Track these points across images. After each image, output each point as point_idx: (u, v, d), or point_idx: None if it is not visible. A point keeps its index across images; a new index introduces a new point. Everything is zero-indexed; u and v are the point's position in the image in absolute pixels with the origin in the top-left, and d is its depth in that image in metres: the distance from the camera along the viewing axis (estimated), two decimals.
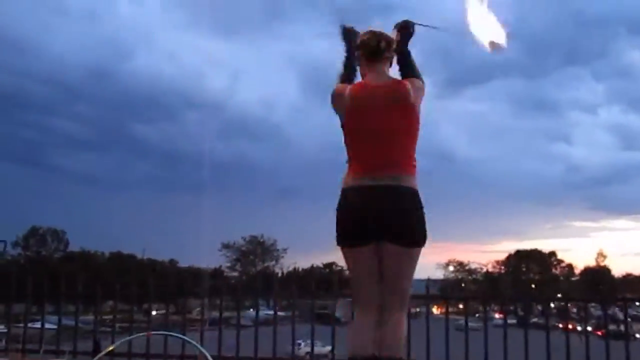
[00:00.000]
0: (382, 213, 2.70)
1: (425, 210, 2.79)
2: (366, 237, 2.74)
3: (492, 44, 3.00)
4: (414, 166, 2.79)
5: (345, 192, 2.79)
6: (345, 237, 2.79)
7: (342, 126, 2.86)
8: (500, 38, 3.01)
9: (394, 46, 2.93)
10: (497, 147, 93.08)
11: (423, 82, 2.89)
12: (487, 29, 2.99)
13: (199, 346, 4.65)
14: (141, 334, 4.78)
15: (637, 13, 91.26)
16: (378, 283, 2.80)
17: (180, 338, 4.87)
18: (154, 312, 5.98)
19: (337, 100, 2.87)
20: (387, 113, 2.77)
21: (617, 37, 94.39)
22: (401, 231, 2.71)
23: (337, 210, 2.79)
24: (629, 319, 6.12)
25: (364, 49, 2.92)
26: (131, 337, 4.66)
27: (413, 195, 2.74)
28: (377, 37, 2.90)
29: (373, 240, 2.74)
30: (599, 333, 5.45)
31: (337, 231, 2.80)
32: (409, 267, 2.79)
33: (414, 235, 2.74)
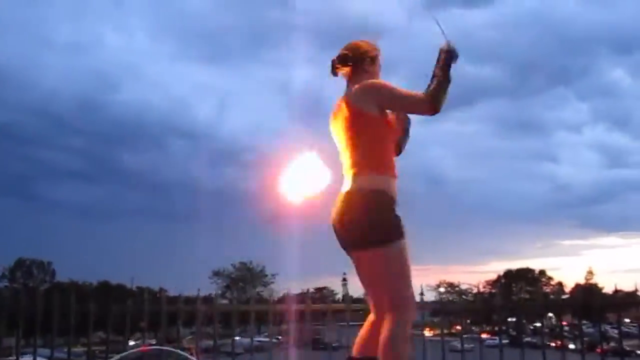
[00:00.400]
0: (336, 221, 2.77)
1: (384, 207, 2.67)
2: (342, 246, 2.80)
3: None
4: (369, 166, 2.75)
5: None
6: None
7: None
8: None
9: (350, 55, 2.94)
10: (485, 168, 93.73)
11: (424, 100, 2.68)
12: None
13: (193, 359, 4.64)
14: (135, 350, 4.78)
15: (617, 33, 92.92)
16: (372, 289, 2.83)
17: (175, 352, 4.86)
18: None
19: None
20: (338, 123, 2.88)
21: (599, 56, 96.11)
22: (351, 235, 2.72)
23: None
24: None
25: None
26: (126, 352, 4.64)
27: (359, 195, 2.71)
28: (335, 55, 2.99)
29: (347, 248, 2.79)
30: (599, 351, 5.42)
31: None
32: (377, 269, 2.70)
33: (363, 236, 2.66)
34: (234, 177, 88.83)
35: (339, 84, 3.00)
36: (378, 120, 2.78)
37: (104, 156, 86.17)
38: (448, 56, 2.71)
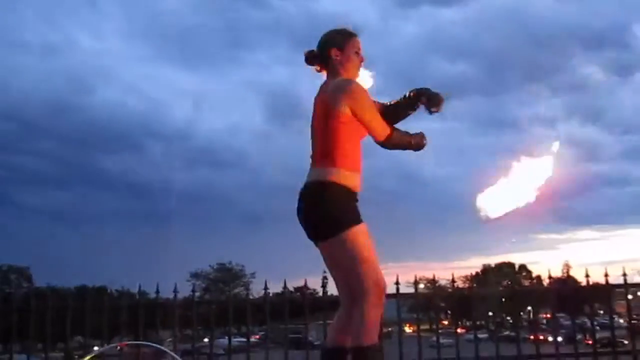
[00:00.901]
0: (298, 213, 2.82)
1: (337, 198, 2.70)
2: (308, 237, 2.82)
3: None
4: (327, 159, 2.77)
5: None
6: None
7: None
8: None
9: (315, 51, 2.97)
10: (461, 165, 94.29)
11: (383, 135, 2.87)
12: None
13: (172, 354, 4.61)
14: (115, 344, 4.74)
15: (590, 29, 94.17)
16: (338, 278, 2.86)
17: (154, 347, 4.82)
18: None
19: None
20: (314, 114, 2.90)
21: (572, 52, 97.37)
22: (310, 226, 2.78)
23: None
24: (597, 327, 6.26)
25: None
26: (104, 347, 4.59)
27: (316, 187, 2.76)
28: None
29: (312, 240, 2.82)
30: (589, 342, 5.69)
31: None
32: (338, 258, 2.75)
33: (320, 227, 2.72)
34: (211, 177, 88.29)
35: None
36: (347, 118, 2.78)
37: (78, 159, 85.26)
38: (416, 146, 2.99)
